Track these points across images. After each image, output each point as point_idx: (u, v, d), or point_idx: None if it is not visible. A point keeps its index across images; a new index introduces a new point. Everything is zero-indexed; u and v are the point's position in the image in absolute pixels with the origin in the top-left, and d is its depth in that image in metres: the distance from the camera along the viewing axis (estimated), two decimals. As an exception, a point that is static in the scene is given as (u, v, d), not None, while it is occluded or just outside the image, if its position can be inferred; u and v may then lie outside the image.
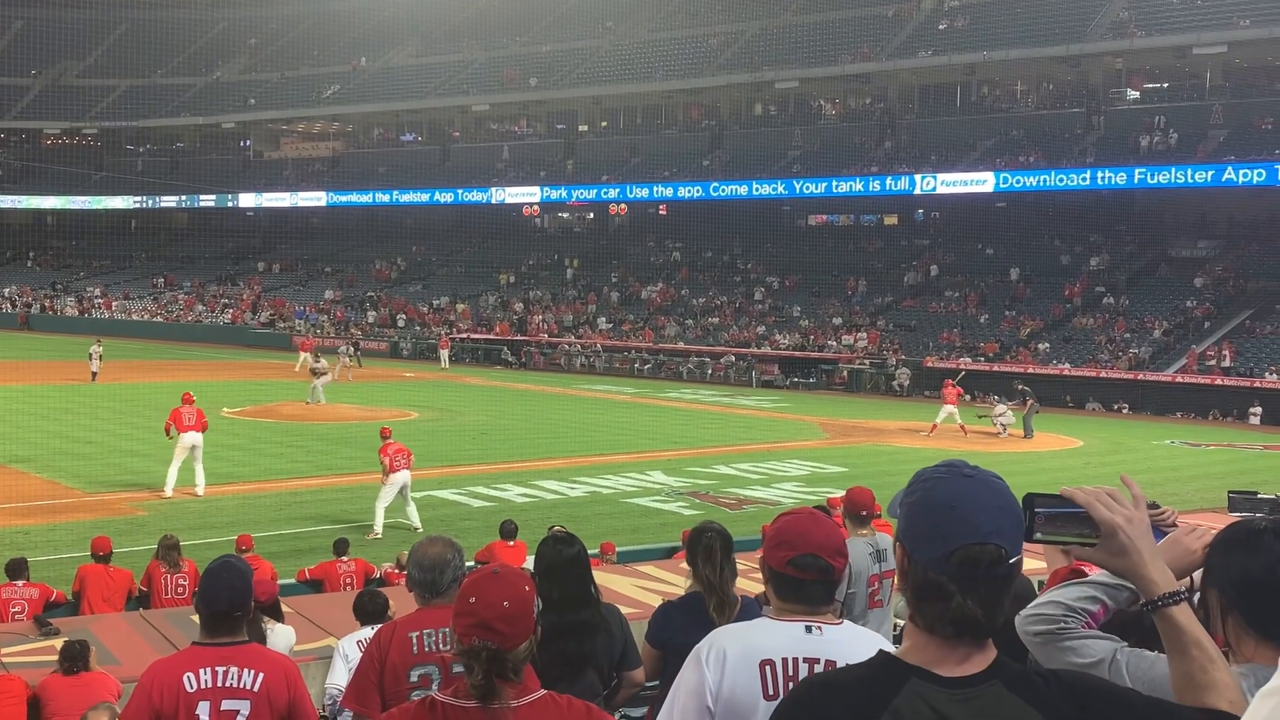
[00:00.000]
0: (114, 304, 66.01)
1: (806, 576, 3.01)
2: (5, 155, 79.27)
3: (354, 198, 66.92)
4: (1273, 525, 2.31)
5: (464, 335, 53.01)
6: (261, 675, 4.00)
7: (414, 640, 4.08)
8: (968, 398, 33.76)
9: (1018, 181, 47.70)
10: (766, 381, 44.20)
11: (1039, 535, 2.10)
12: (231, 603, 4.05)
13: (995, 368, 40.60)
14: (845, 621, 3.17)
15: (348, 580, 11.63)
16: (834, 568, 3.04)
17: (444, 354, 47.91)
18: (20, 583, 9.96)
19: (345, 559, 12.03)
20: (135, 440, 24.88)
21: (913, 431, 30.56)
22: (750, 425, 31.99)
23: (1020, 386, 32.82)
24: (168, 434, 18.84)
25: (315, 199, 68.43)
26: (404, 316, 57.35)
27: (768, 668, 2.95)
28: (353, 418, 30.12)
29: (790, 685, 2.96)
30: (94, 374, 37.27)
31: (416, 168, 66.98)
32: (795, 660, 2.92)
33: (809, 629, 2.99)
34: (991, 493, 1.97)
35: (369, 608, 7.07)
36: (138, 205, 74.23)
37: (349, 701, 4.13)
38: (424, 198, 64.01)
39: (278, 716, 4.02)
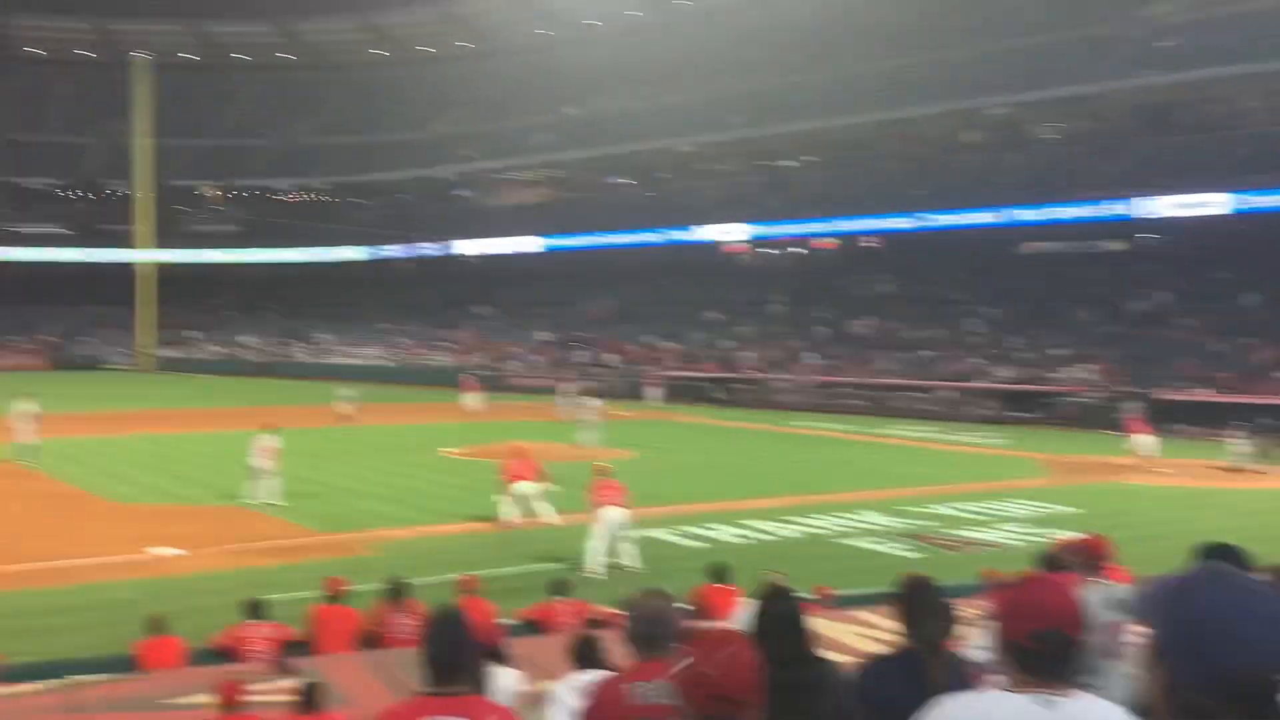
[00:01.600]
0: (345, 350, 69.39)
1: (1049, 650, 2.83)
2: (245, 212, 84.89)
3: (567, 241, 68.60)
4: None
5: (673, 373, 53.40)
6: None
7: (631, 694, 4.06)
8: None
9: (1254, 202, 44.99)
10: (985, 417, 42.83)
11: None
12: (457, 653, 4.10)
13: (1233, 399, 38.19)
14: (1082, 692, 2.97)
15: (566, 622, 11.76)
16: (1078, 642, 2.86)
17: (655, 392, 48.37)
18: (260, 622, 10.47)
19: (563, 600, 12.16)
20: (367, 481, 26.01)
21: (1146, 469, 29.01)
22: (969, 463, 31.03)
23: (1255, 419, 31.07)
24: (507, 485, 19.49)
25: (531, 244, 70.51)
26: (616, 356, 58.26)
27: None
28: (569, 457, 30.67)
29: None
30: (341, 417, 39.30)
31: (626, 210, 68.27)
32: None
33: (1044, 701, 2.81)
34: (1267, 607, 1.78)
35: (585, 652, 7.09)
36: (366, 256, 78.16)
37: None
38: (633, 239, 65.06)
39: None
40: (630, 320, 63.92)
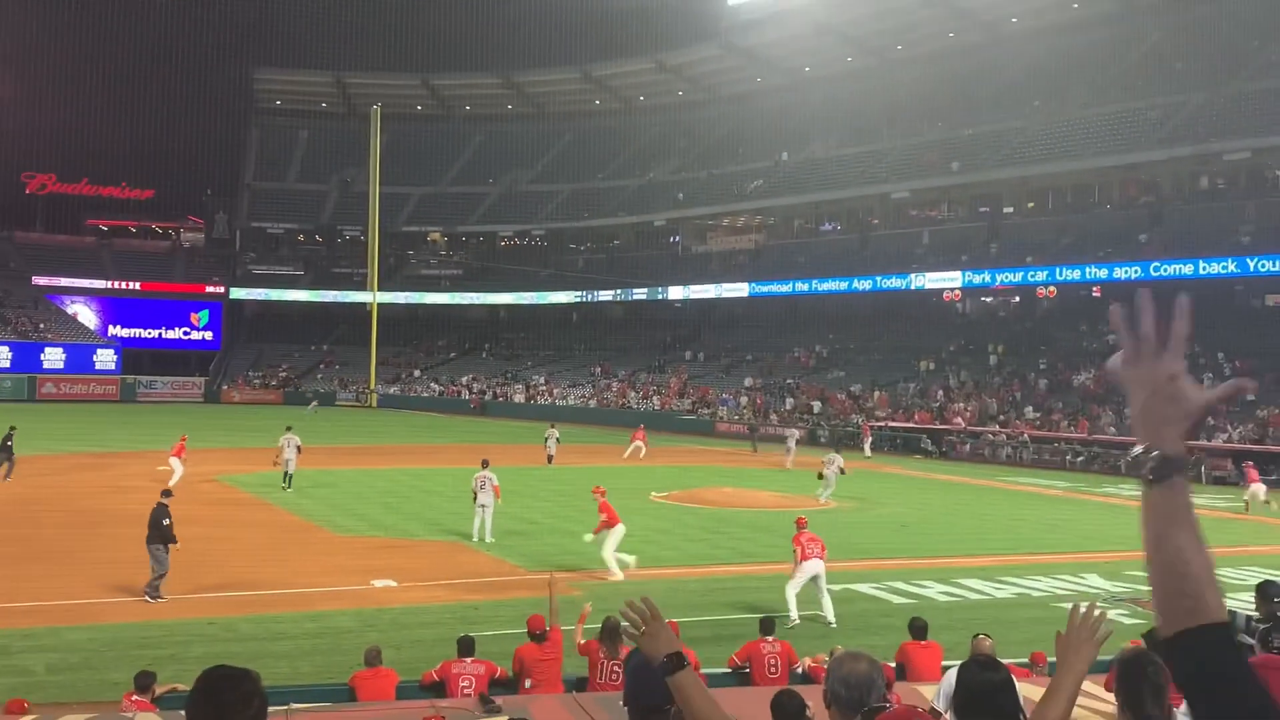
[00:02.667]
0: (555, 390, 70.99)
1: None
2: (466, 256, 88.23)
3: (775, 287, 68.50)
4: None
5: (883, 423, 52.42)
6: None
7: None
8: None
9: None
10: (1218, 478, 40.37)
11: None
12: (662, 697, 4.12)
13: None
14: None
15: (772, 664, 11.64)
16: None
17: (866, 442, 47.59)
18: (469, 660, 10.71)
19: (770, 639, 11.95)
20: (575, 522, 26.42)
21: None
22: (1204, 526, 29.23)
23: None
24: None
25: (738, 290, 70.70)
26: (820, 403, 57.63)
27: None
28: (772, 505, 30.45)
29: None
30: (550, 457, 40.15)
31: (835, 256, 67.72)
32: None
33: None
34: None
35: (788, 707, 6.98)
36: (578, 299, 80.00)
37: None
38: (843, 285, 64.43)
39: None
40: (838, 367, 63.17)
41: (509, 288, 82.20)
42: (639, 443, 44.50)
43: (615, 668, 10.72)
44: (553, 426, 42.41)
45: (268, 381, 78.41)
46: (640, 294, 76.33)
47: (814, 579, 16.63)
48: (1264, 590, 9.96)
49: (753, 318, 71.70)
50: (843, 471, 31.95)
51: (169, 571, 17.20)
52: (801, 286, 66.82)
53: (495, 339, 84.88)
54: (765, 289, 69.13)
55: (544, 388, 72.37)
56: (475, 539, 23.03)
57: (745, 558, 22.39)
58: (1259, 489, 31.12)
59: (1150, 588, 1.83)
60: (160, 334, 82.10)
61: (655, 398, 65.97)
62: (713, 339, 73.15)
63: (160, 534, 17.29)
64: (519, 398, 70.91)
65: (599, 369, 73.79)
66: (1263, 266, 48.02)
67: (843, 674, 4.16)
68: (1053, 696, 3.48)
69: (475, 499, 23.30)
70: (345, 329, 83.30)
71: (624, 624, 3.37)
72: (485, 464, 24.11)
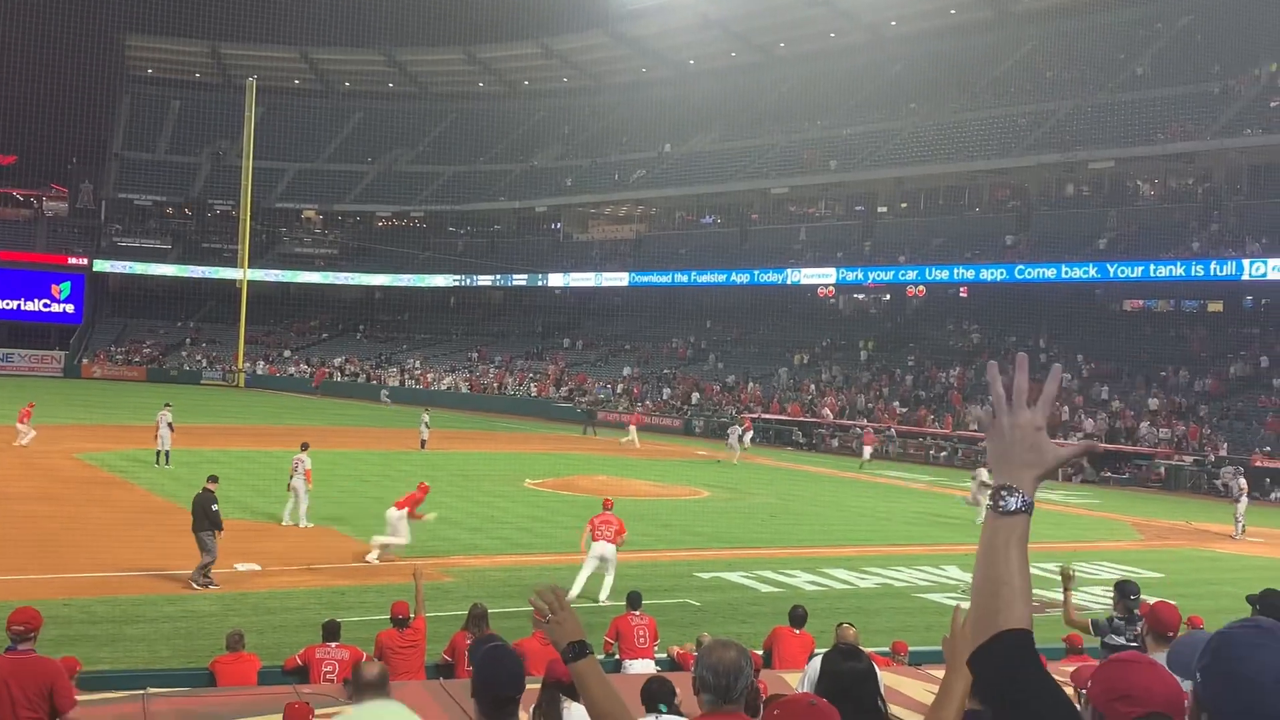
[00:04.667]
0: (430, 375, 70.25)
1: None
2: (342, 235, 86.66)
3: (655, 278, 68.85)
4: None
5: (756, 415, 53.16)
6: None
7: (702, 747, 4.00)
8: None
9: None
10: (1069, 475, 41.91)
11: None
12: (511, 688, 4.10)
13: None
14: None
15: (640, 635, 11.87)
16: None
17: (747, 435, 47.99)
18: (334, 645, 10.56)
19: (637, 613, 12.30)
20: (448, 508, 26.20)
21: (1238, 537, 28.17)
22: (1056, 522, 30.32)
23: None
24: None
25: (618, 279, 70.89)
26: (698, 394, 58.17)
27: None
28: (647, 494, 30.64)
29: None
30: (423, 442, 39.71)
31: (715, 249, 68.35)
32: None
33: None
34: None
35: (656, 692, 7.05)
36: (457, 283, 79.26)
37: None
38: (721, 278, 65.10)
39: None
40: (714, 359, 63.81)
41: (386, 269, 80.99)
42: (633, 429, 45.38)
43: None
44: (425, 412, 42.01)
45: (131, 358, 75.95)
46: (520, 280, 75.97)
47: (602, 560, 17.04)
48: (1121, 589, 10.41)
49: (632, 307, 71.97)
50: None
51: (213, 558, 17.01)
52: (681, 278, 67.29)
53: (370, 320, 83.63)
54: (645, 279, 69.43)
55: (419, 371, 71.54)
56: (286, 521, 22.60)
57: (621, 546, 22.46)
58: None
59: (970, 604, 2.06)
60: (19, 305, 78.80)
61: (532, 385, 65.77)
62: (592, 327, 73.23)
63: (209, 520, 17.06)
64: (394, 381, 69.95)
65: (476, 354, 73.28)
66: (1121, 273, 49.93)
67: (711, 661, 4.21)
68: (945, 699, 3.57)
69: (292, 483, 22.83)
70: (214, 306, 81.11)
71: (534, 611, 3.45)
72: (305, 447, 23.66)
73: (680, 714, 7.08)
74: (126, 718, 8.21)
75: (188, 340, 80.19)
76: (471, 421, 53.10)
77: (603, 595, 16.71)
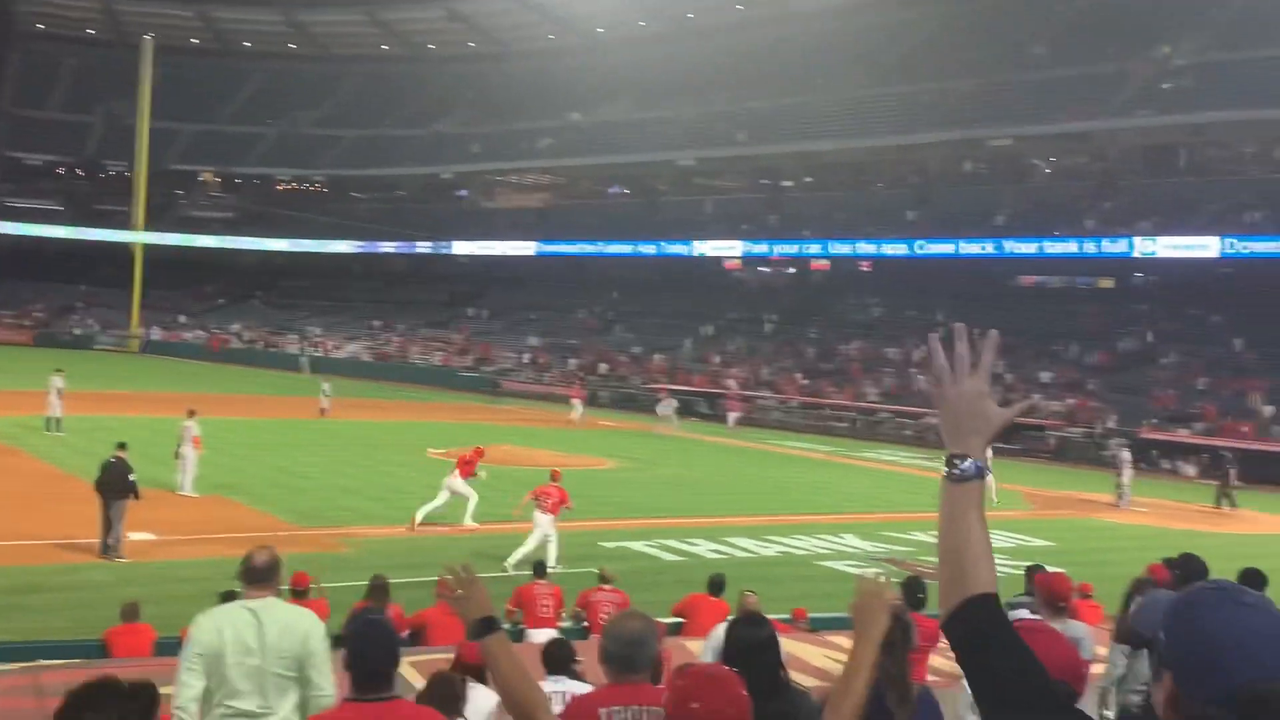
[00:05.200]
0: (331, 343, 69.23)
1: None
2: (240, 200, 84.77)
3: (562, 247, 68.63)
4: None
5: (663, 386, 53.40)
6: None
7: (604, 717, 4.04)
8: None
9: (1245, 247, 45.25)
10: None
11: None
12: (384, 660, 4.12)
13: (1214, 441, 38.39)
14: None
15: (545, 603, 11.93)
16: (1079, 695, 2.87)
17: (661, 407, 48.05)
18: (235, 613, 10.39)
19: (543, 582, 12.46)
20: (348, 477, 25.95)
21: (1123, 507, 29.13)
22: (950, 491, 31.07)
23: (1225, 454, 32.88)
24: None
25: (525, 248, 70.51)
26: (605, 365, 58.25)
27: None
28: (554, 464, 30.62)
29: None
30: (322, 410, 39.19)
31: (623, 220, 68.33)
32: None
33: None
34: (1272, 622, 1.81)
35: (557, 656, 7.10)
36: (360, 250, 78.09)
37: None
38: (628, 249, 65.13)
39: None
40: (620, 330, 63.92)
41: (285, 234, 79.38)
42: (577, 403, 44.66)
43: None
44: (325, 380, 41.47)
45: (21, 321, 73.55)
46: (425, 248, 75.15)
47: (544, 532, 17.59)
48: (1031, 574, 10.75)
49: (539, 277, 71.64)
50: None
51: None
52: (588, 248, 67.17)
53: (269, 287, 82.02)
54: (552, 249, 69.16)
55: (320, 339, 70.46)
56: (180, 490, 22.26)
57: (522, 514, 22.45)
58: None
59: (937, 571, 2.13)
60: (-103, 267, 75.70)
61: (437, 354, 65.24)
62: (498, 297, 72.74)
63: (126, 488, 16.72)
64: (293, 349, 68.75)
65: (380, 322, 72.38)
66: (1017, 249, 51.12)
67: (616, 632, 4.25)
68: (854, 670, 3.61)
69: (181, 450, 22.45)
70: (107, 270, 78.72)
71: (442, 585, 3.48)
72: (191, 414, 23.18)
73: (581, 678, 7.16)
74: (18, 690, 8.03)
75: (79, 305, 77.89)
76: (374, 390, 52.50)
77: (550, 559, 17.04)
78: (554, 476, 18.65)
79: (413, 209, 79.49)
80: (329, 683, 5.13)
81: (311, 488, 24.29)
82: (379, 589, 11.04)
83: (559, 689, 6.65)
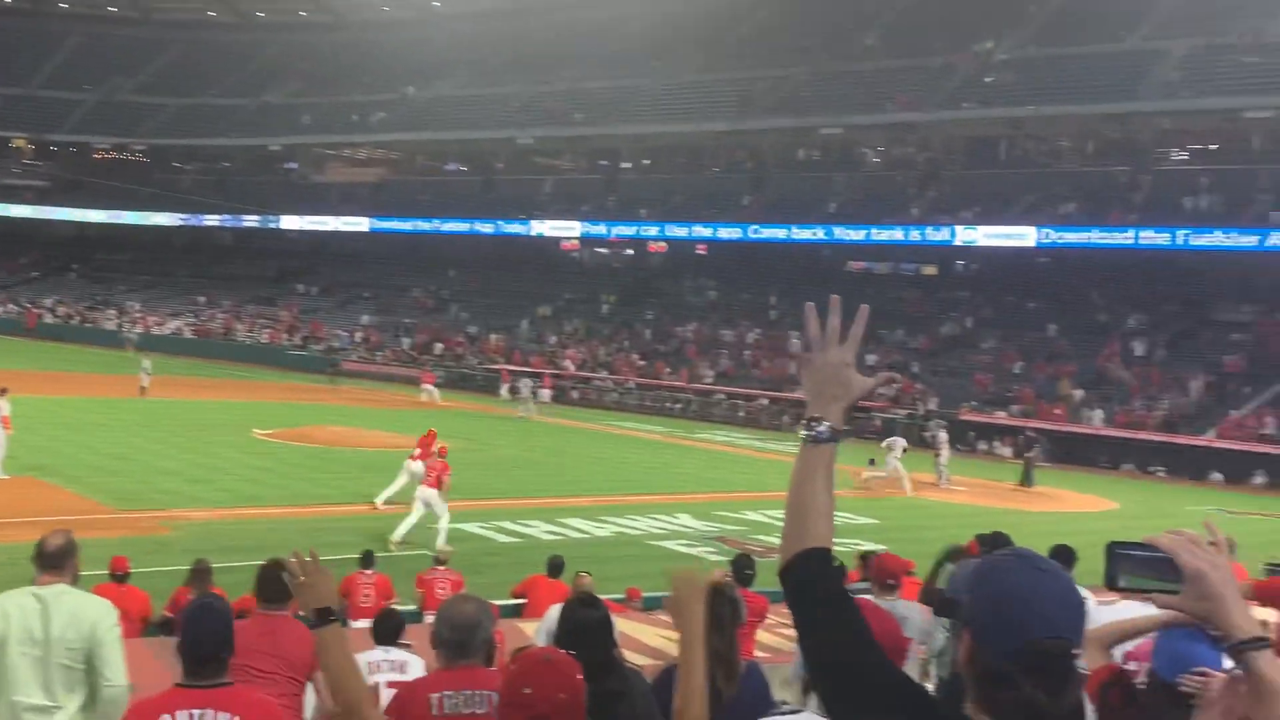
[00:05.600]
0: (152, 319, 66.54)
1: None
2: (55, 168, 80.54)
3: (396, 224, 67.41)
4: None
5: (499, 368, 53.10)
6: (238, 719, 3.95)
7: (434, 703, 3.97)
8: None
9: (1058, 237, 47.47)
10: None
11: (1122, 582, 2.10)
12: (215, 646, 4.05)
13: (1025, 422, 40.23)
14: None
15: (367, 593, 11.76)
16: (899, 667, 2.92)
17: (504, 387, 47.67)
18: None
19: (368, 572, 12.19)
20: (170, 459, 25.00)
21: (951, 485, 30.24)
22: (782, 470, 31.63)
23: (1029, 433, 34.79)
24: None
25: (358, 224, 69.01)
26: (440, 344, 57.54)
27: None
28: (382, 444, 30.14)
29: None
30: (142, 389, 37.64)
31: (459, 197, 67.49)
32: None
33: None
34: (1060, 585, 2.00)
35: (384, 628, 7.05)
36: (182, 223, 75.17)
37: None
38: (465, 227, 64.40)
39: None
40: (456, 309, 63.23)
41: (104, 204, 75.78)
42: (429, 386, 43.64)
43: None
44: (145, 357, 39.84)
45: None
46: (252, 221, 72.79)
47: (426, 504, 17.76)
48: (864, 559, 11.11)
49: (372, 254, 70.21)
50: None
51: None
52: (423, 225, 66.13)
53: (86, 259, 78.22)
54: (386, 225, 67.86)
55: (141, 314, 67.60)
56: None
57: (353, 497, 22.04)
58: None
59: (783, 524, 2.26)
60: None
61: (264, 331, 63.38)
62: (328, 273, 70.99)
63: None
64: (111, 325, 65.80)
65: (204, 298, 69.86)
66: (846, 236, 52.51)
67: (448, 616, 4.20)
68: (689, 668, 3.51)
69: None
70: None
71: (287, 572, 3.41)
72: (2, 391, 22.10)
73: (412, 650, 7.10)
74: None
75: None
76: (197, 369, 50.71)
77: (439, 541, 16.89)
78: (440, 453, 18.89)
79: (239, 181, 76.82)
80: (118, 673, 4.96)
81: (130, 469, 23.32)
82: (201, 573, 10.71)
83: (388, 658, 6.58)
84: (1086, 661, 4.36)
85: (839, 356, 2.36)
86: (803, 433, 2.34)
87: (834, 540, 2.28)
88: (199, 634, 4.03)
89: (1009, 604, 1.98)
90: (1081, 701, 2.00)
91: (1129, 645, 4.19)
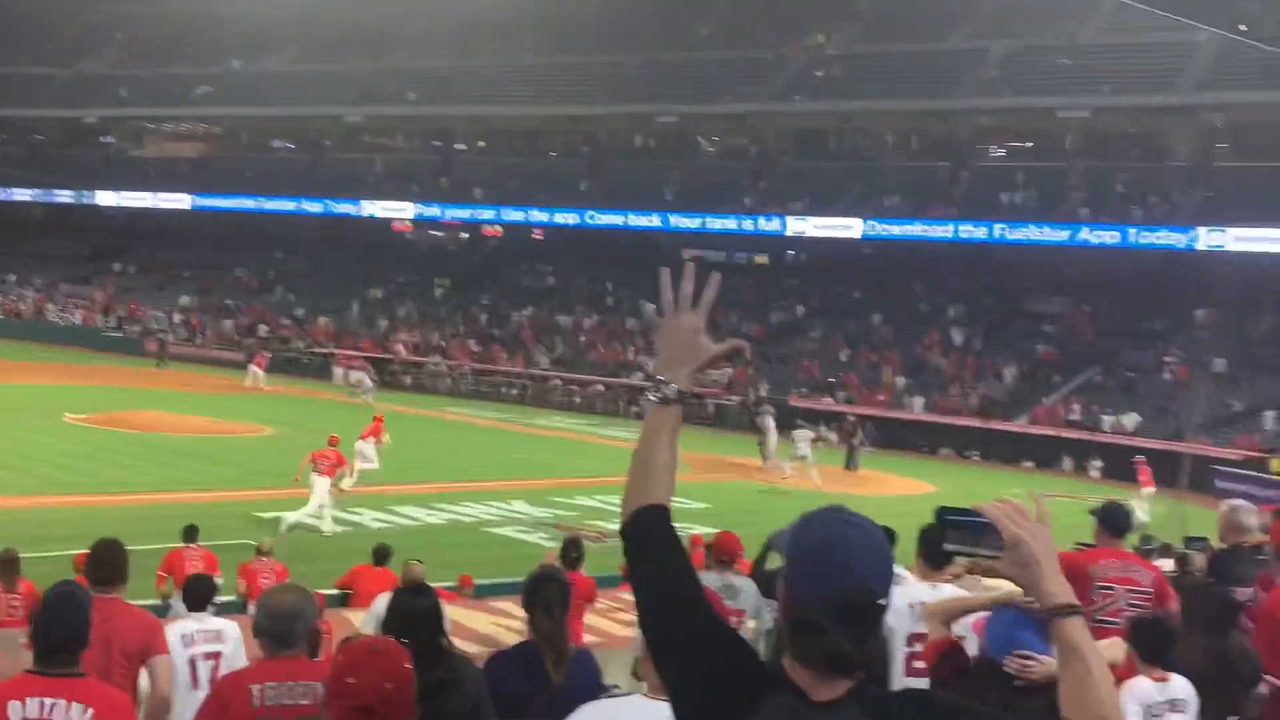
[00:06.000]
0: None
1: None
2: None
3: (220, 202, 65.14)
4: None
5: (327, 351, 51.96)
6: (91, 711, 3.82)
7: (256, 694, 3.86)
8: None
9: (883, 229, 48.96)
10: (638, 414, 44.21)
11: (948, 545, 2.22)
12: (70, 635, 3.93)
13: (847, 408, 41.44)
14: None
15: (195, 568, 11.45)
16: None
17: (339, 371, 46.67)
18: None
19: (193, 546, 11.94)
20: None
21: (780, 469, 30.91)
22: (617, 456, 31.85)
23: (851, 419, 36.40)
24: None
25: (179, 201, 66.43)
26: (264, 327, 55.92)
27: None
28: (204, 430, 29.18)
29: None
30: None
31: (286, 175, 65.52)
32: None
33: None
34: (869, 540, 2.11)
35: (195, 592, 6.88)
36: (-13, 196, 71.12)
37: (184, 758, 3.91)
38: (291, 206, 62.64)
39: None
40: (282, 290, 61.57)
41: (-100, 175, 71.20)
42: (257, 370, 42.24)
43: (13, 601, 9.99)
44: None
45: None
46: (65, 196, 69.35)
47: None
48: (769, 542, 11.17)
49: (193, 232, 67.65)
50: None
51: None
52: (248, 204, 64.06)
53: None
54: (209, 203, 65.48)
55: (-59, 293, 63.82)
56: None
57: (169, 484, 21.29)
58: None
59: (626, 481, 2.35)
60: None
61: (78, 312, 60.55)
62: (147, 252, 68.15)
63: None
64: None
65: (14, 276, 66.26)
66: (682, 224, 53.11)
67: (269, 605, 4.11)
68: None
69: None
70: None
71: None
72: None
73: (225, 617, 7.00)
74: None
75: None
76: (6, 350, 48.11)
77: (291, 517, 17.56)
78: (331, 441, 19.31)
79: (52, 154, 73.11)
80: None
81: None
82: (8, 563, 10.24)
83: (202, 628, 6.42)
84: (928, 632, 4.55)
85: (690, 321, 2.46)
86: (651, 394, 2.42)
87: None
88: (52, 621, 3.93)
89: (818, 554, 2.08)
90: (885, 652, 2.10)
91: (975, 617, 4.37)
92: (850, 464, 33.07)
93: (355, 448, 20.46)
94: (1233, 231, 41.27)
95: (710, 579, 6.69)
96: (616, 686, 5.03)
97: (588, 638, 9.71)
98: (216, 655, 6.18)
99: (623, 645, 8.64)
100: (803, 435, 30.50)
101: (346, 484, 20.17)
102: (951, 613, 4.55)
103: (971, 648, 4.35)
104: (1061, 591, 2.15)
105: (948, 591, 5.68)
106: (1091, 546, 7.21)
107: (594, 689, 4.82)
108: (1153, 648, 5.03)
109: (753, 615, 7.93)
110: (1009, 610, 3.44)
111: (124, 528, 16.73)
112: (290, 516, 17.68)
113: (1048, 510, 2.25)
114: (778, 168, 55.71)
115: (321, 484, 18.09)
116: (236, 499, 20.29)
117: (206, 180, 67.35)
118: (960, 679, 3.76)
